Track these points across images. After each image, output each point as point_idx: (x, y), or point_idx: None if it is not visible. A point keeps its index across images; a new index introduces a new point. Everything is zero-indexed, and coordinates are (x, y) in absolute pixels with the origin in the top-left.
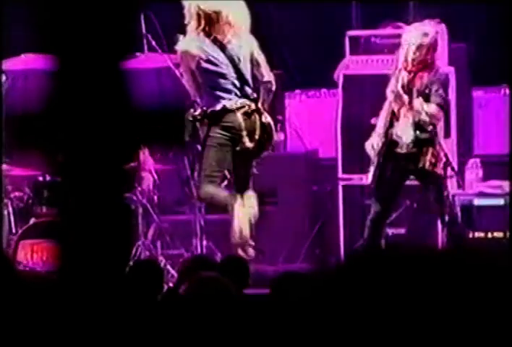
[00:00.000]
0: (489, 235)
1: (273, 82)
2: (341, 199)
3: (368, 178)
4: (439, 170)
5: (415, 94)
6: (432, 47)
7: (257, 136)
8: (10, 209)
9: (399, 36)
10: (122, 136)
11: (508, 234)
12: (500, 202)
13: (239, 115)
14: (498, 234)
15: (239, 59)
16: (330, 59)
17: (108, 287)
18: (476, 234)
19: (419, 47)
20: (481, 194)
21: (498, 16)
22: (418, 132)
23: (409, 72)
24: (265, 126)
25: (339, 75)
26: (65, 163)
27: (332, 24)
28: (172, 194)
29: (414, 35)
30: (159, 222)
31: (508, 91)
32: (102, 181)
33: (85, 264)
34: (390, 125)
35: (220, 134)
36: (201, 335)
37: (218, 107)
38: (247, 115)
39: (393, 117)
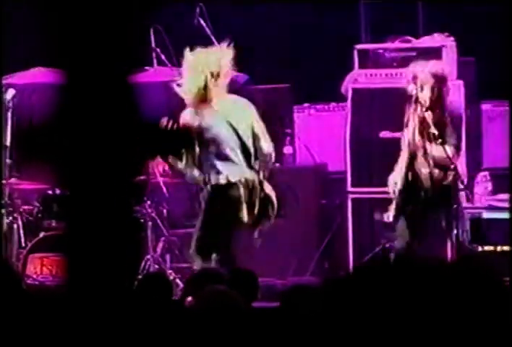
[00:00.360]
0: (499, 248)
1: (273, 154)
2: (350, 212)
3: (389, 217)
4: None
5: (427, 136)
6: (442, 84)
7: (256, 211)
8: (20, 222)
9: (408, 50)
10: (131, 149)
11: None
12: (509, 215)
13: (242, 188)
14: (507, 248)
15: (240, 130)
16: (338, 73)
17: (117, 301)
18: (486, 248)
19: (429, 88)
20: (491, 208)
21: (506, 28)
22: (437, 171)
23: (420, 111)
24: (265, 200)
25: (347, 88)
26: (73, 176)
27: (340, 38)
28: (181, 208)
29: (423, 77)
30: (168, 235)
31: None
32: (111, 194)
33: (94, 278)
34: (410, 165)
35: (221, 206)
36: None
37: (222, 180)
38: (249, 188)
39: (411, 159)
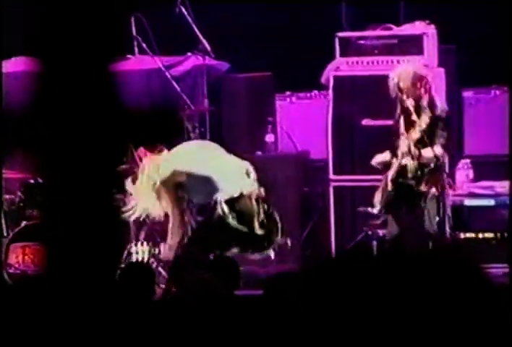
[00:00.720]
0: (480, 235)
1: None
2: (332, 200)
3: (376, 205)
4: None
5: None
6: (425, 84)
7: (264, 223)
8: (1, 212)
9: (389, 37)
10: (112, 138)
11: (498, 235)
12: (491, 202)
13: (254, 200)
14: (489, 235)
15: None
16: (320, 61)
17: (99, 289)
18: (468, 235)
19: (410, 88)
20: (472, 195)
21: (487, 16)
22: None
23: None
24: (269, 213)
25: (328, 77)
26: (54, 165)
27: (321, 26)
28: None
29: (404, 77)
30: (150, 224)
31: (498, 92)
32: (92, 183)
33: (74, 266)
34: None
35: (234, 219)
36: (193, 336)
37: (236, 193)
38: (257, 201)
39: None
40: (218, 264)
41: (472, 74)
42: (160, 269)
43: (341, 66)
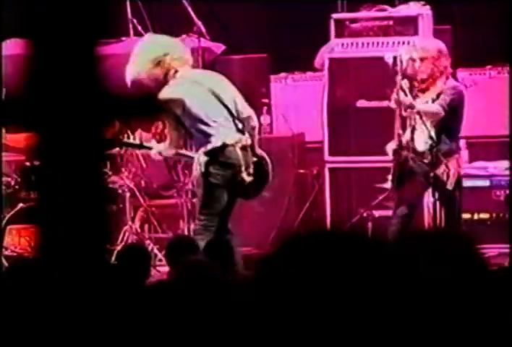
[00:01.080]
0: (475, 216)
1: (254, 117)
2: (328, 181)
3: (388, 184)
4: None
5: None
6: (436, 60)
7: (251, 171)
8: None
9: (384, 19)
10: (102, 120)
11: (493, 215)
12: (486, 183)
13: (238, 150)
14: (484, 215)
15: (222, 97)
16: (314, 42)
17: (94, 272)
18: (463, 216)
19: (422, 61)
20: (467, 176)
21: None
22: (432, 142)
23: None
24: (259, 161)
25: (323, 60)
26: (47, 147)
27: (316, 7)
28: (159, 179)
29: (413, 49)
30: (146, 206)
31: (493, 73)
32: (84, 165)
33: (68, 249)
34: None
35: (221, 171)
36: (189, 320)
37: (218, 143)
38: (244, 149)
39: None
40: (212, 248)
41: (468, 55)
42: (155, 251)
43: (336, 47)
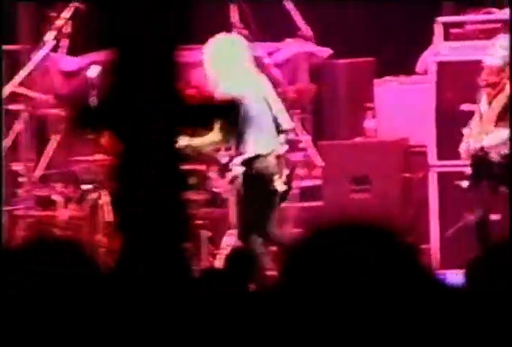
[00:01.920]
0: None
1: (291, 130)
2: (436, 185)
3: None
4: None
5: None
6: None
7: (284, 180)
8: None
9: (492, 22)
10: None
11: None
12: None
13: (273, 159)
14: None
15: (272, 104)
16: (420, 46)
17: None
18: None
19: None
20: None
21: None
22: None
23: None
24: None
25: (426, 64)
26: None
27: (421, 11)
28: None
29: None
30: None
31: None
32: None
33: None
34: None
35: (258, 181)
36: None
37: (256, 152)
38: (278, 159)
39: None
40: (235, 258)
41: None
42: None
43: (443, 50)
